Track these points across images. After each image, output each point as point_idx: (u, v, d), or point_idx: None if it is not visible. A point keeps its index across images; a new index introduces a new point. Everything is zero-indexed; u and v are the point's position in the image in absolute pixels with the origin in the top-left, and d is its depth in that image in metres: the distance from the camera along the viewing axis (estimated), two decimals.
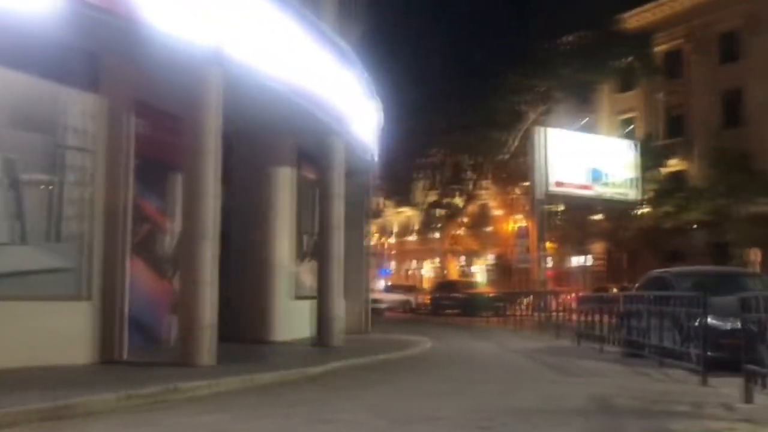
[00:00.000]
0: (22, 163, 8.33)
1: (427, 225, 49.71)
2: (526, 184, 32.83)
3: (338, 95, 12.33)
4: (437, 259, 51.75)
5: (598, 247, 41.26)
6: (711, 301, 8.82)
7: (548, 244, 34.67)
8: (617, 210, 35.88)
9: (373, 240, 44.34)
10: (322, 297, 12.42)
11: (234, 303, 11.87)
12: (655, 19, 38.24)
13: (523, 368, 10.61)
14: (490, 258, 49.46)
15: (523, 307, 23.83)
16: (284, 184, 13.60)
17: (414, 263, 58.27)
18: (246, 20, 9.33)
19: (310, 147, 13.31)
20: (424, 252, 54.74)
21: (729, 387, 7.62)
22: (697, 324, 8.96)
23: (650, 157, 34.32)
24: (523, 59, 31.74)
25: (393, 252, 59.18)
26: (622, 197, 32.80)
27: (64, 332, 8.43)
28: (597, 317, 13.43)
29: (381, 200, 45.92)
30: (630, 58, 34.19)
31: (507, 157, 36.09)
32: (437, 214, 45.23)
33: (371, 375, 9.38)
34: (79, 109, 8.85)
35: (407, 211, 53.57)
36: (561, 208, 38.41)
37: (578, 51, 32.33)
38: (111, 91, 9.10)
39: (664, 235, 34.98)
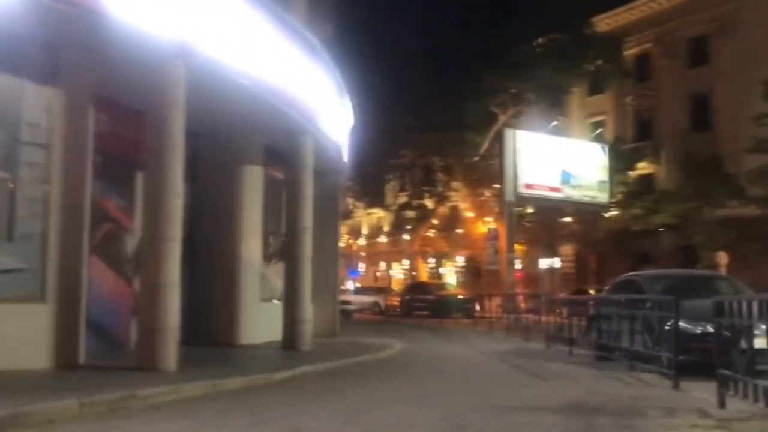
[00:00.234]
0: None
1: (397, 226, 49.61)
2: (497, 186, 32.84)
3: (308, 93, 12.08)
4: (407, 261, 51.71)
5: (568, 249, 41.57)
6: (682, 305, 8.79)
7: (518, 246, 34.76)
8: (587, 212, 36.14)
9: (344, 241, 44.17)
10: (290, 299, 12.17)
11: (199, 305, 11.58)
12: (625, 23, 38.63)
13: (495, 372, 10.48)
14: (460, 260, 49.55)
15: (493, 308, 23.79)
16: (252, 183, 13.32)
17: (384, 265, 58.19)
18: (213, 13, 9.04)
19: (279, 146, 13.03)
20: (394, 254, 54.68)
21: (701, 391, 7.58)
22: (668, 328, 8.92)
23: (619, 160, 34.63)
24: (497, 61, 31.76)
25: (363, 253, 59.04)
26: (591, 200, 33.02)
27: (19, 336, 8.05)
28: (570, 320, 13.42)
29: (351, 201, 45.70)
30: (601, 62, 34.44)
31: (478, 159, 36.10)
32: (407, 216, 45.14)
33: (341, 379, 9.16)
34: (36, 103, 8.51)
35: (378, 213, 53.46)
36: (531, 210, 38.58)
37: (551, 53, 32.46)
38: (70, 85, 8.75)
39: (632, 237, 35.33)
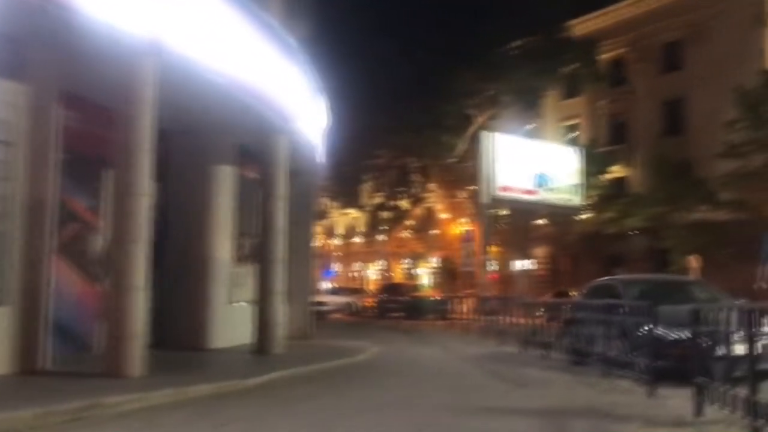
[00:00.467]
0: None
1: (372, 227, 49.47)
2: (473, 187, 32.83)
3: (284, 92, 11.86)
4: (382, 262, 51.63)
5: (542, 251, 41.75)
6: (659, 310, 8.76)
7: (493, 248, 34.80)
8: (561, 215, 36.29)
9: (318, 241, 43.90)
10: (263, 302, 11.94)
11: (168, 308, 11.30)
12: (601, 27, 38.88)
13: (470, 377, 10.37)
14: (435, 261, 49.58)
15: (467, 310, 23.70)
16: (224, 183, 13.06)
17: (359, 265, 58.05)
18: (186, 10, 8.79)
19: (253, 145, 12.78)
20: (369, 254, 54.60)
21: (676, 398, 7.55)
22: (644, 333, 8.88)
23: (593, 163, 34.82)
24: (473, 62, 31.77)
25: (338, 254, 58.85)
26: (566, 203, 33.11)
27: None
28: (550, 323, 13.39)
29: (327, 201, 45.46)
30: (576, 65, 34.62)
31: (454, 160, 36.08)
32: (383, 217, 45.01)
33: (314, 386, 8.96)
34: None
35: (353, 213, 53.27)
36: (506, 212, 38.66)
37: (527, 56, 32.55)
38: (36, 81, 8.46)
39: (605, 240, 35.56)
